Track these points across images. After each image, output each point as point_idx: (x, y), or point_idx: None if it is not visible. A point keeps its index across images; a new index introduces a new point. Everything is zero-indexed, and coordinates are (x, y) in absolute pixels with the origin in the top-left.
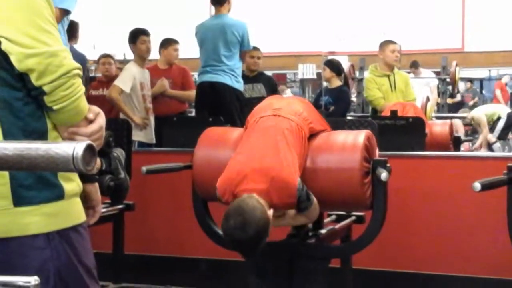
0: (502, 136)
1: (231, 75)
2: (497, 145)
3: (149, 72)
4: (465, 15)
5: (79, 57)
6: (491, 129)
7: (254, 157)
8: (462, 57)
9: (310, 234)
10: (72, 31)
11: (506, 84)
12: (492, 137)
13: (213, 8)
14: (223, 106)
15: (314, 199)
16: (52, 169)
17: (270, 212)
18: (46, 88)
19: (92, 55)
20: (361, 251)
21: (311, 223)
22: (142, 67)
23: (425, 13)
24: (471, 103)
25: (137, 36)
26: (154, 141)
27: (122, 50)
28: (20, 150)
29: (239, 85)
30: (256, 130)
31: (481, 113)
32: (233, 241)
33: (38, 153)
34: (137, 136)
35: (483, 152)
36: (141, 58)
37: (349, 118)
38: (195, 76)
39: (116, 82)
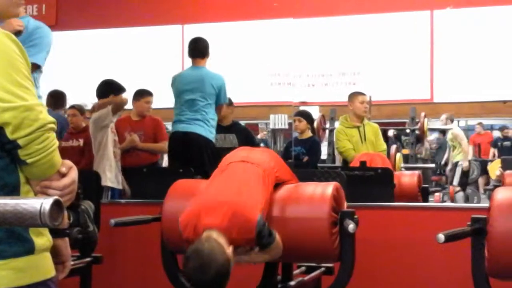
0: (462, 185)
1: (206, 126)
2: (460, 194)
3: (122, 124)
4: (433, 66)
5: (61, 122)
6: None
7: (217, 193)
8: (431, 108)
9: (280, 286)
10: (61, 101)
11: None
12: (456, 187)
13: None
14: (196, 156)
15: (277, 236)
16: (19, 224)
17: (230, 250)
18: (21, 142)
19: None
20: None
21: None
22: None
23: (394, 65)
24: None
25: (122, 90)
26: (121, 186)
27: (92, 100)
28: None
29: (212, 136)
30: (224, 173)
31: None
32: (195, 283)
33: (6, 208)
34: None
35: (450, 204)
36: (120, 109)
37: (318, 169)
38: (168, 126)
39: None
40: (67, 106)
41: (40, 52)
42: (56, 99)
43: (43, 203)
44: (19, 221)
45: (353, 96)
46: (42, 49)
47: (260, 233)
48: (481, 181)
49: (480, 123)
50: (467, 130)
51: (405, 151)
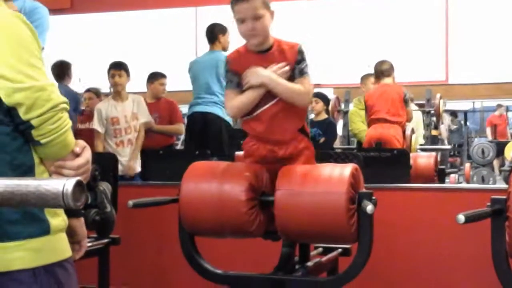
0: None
1: (222, 107)
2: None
3: None
4: (448, 47)
5: (72, 96)
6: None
7: None
8: (446, 90)
9: (297, 267)
10: (64, 71)
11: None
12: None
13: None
14: (213, 136)
15: (311, 77)
16: (42, 205)
17: None
18: (34, 122)
19: (77, 88)
20: (348, 283)
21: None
22: (117, 100)
23: (409, 46)
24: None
25: (108, 71)
26: (130, 172)
27: (108, 83)
28: (10, 187)
29: (228, 117)
30: None
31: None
32: None
33: (28, 189)
34: None
35: (467, 185)
36: (114, 92)
37: (335, 151)
38: (182, 109)
39: (95, 127)
40: (74, 79)
41: (43, 32)
42: (59, 70)
43: (66, 184)
44: (41, 202)
45: (365, 77)
46: (44, 30)
47: (302, 51)
48: (496, 162)
49: (499, 104)
50: (483, 111)
51: None
